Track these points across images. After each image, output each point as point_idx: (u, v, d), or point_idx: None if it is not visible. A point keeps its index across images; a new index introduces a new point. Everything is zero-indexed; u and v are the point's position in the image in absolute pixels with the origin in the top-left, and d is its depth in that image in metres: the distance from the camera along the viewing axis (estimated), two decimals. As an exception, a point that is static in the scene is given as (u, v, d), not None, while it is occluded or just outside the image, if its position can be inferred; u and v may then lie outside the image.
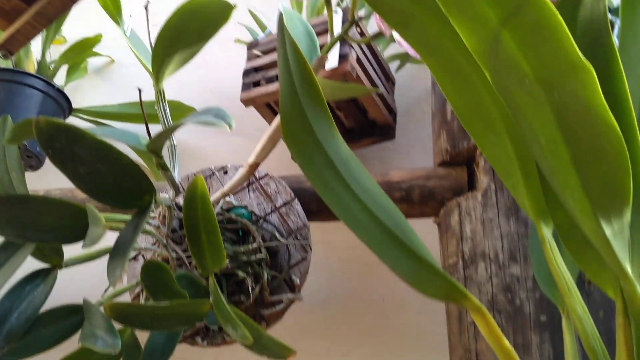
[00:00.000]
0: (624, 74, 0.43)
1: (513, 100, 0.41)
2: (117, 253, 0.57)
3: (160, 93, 0.78)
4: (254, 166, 0.79)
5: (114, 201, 0.63)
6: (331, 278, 1.09)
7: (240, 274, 0.77)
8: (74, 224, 0.64)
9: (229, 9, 0.63)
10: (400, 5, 0.45)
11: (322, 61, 0.74)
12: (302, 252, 0.84)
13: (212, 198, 0.82)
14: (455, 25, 0.39)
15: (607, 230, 0.41)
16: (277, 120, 0.77)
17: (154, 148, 0.64)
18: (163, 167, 0.70)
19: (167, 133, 0.59)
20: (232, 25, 1.22)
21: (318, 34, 0.91)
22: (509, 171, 0.50)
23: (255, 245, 0.78)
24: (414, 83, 1.21)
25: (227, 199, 0.86)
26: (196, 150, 1.26)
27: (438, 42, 0.46)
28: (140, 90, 0.62)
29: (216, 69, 1.34)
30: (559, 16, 0.34)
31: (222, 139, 1.27)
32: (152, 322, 0.64)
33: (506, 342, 0.48)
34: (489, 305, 0.74)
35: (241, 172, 0.80)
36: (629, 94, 0.43)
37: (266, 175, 0.90)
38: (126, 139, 0.64)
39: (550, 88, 0.38)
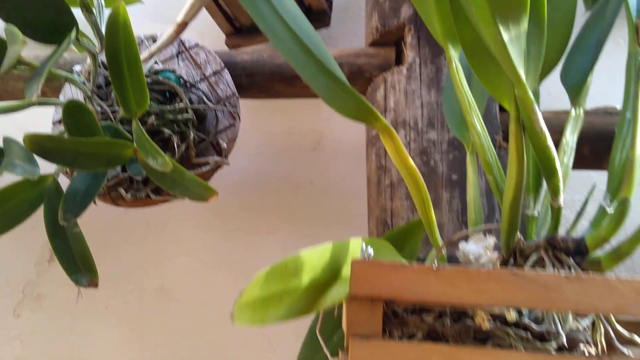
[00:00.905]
0: None
1: None
2: (35, 75, 0.57)
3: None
4: (183, 25, 0.78)
5: (36, 33, 0.62)
6: (263, 163, 1.11)
7: (166, 131, 0.78)
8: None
9: None
10: None
11: None
12: (230, 119, 0.85)
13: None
14: None
15: (505, 36, 0.44)
16: (207, -23, 0.77)
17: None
18: (87, 9, 0.69)
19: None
20: None
21: None
22: (423, -2, 0.52)
23: (181, 105, 0.79)
24: (352, -22, 1.21)
25: (156, 66, 0.86)
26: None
27: None
28: None
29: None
30: None
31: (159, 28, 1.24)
32: (73, 158, 0.64)
33: (410, 161, 0.52)
34: (407, 167, 0.77)
35: (169, 31, 0.79)
36: None
37: (196, 45, 0.89)
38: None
39: None
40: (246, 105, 1.13)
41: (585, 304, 0.39)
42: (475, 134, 0.51)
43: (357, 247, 0.43)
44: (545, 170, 0.47)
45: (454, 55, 0.51)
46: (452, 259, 0.60)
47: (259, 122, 1.13)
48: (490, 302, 0.39)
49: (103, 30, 0.76)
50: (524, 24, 0.44)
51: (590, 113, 0.84)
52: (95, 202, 0.78)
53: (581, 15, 0.66)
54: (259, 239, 1.05)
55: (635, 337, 0.46)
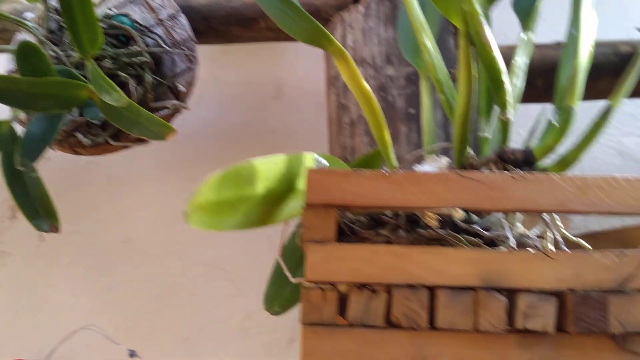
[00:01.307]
0: None
1: None
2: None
3: None
4: (134, -34, 0.77)
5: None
6: (223, 112, 1.11)
7: (122, 74, 0.77)
8: None
9: None
10: None
11: None
12: (187, 63, 0.84)
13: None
14: None
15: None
16: None
17: None
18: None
19: None
20: None
21: None
22: None
23: (137, 47, 0.78)
24: None
25: (109, 10, 0.84)
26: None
27: None
28: None
29: None
30: None
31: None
32: (27, 99, 0.63)
33: (363, 83, 0.52)
34: (365, 104, 0.78)
35: (121, -28, 0.78)
36: None
37: (150, -11, 0.88)
38: None
39: None
40: (204, 55, 1.12)
41: (529, 202, 0.41)
42: (427, 52, 0.52)
43: (311, 160, 0.44)
44: (493, 82, 0.48)
45: (404, -25, 0.52)
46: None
47: (218, 71, 1.12)
48: (438, 204, 0.40)
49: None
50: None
51: (544, 46, 0.85)
52: (52, 148, 0.77)
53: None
54: (223, 187, 1.05)
55: (581, 242, 0.48)
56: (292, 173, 0.42)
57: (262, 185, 0.39)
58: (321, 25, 0.51)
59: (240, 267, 1.01)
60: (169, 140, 0.96)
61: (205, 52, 1.12)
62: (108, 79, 0.61)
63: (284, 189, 0.42)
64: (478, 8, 0.46)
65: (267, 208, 0.41)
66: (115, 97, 0.58)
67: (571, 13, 0.55)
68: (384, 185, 0.40)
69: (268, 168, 0.40)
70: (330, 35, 0.51)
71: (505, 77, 0.48)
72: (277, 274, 0.67)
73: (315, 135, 1.05)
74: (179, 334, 1.00)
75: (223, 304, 1.00)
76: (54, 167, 1.09)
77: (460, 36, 0.48)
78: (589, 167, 1.05)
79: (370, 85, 0.78)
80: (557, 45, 0.86)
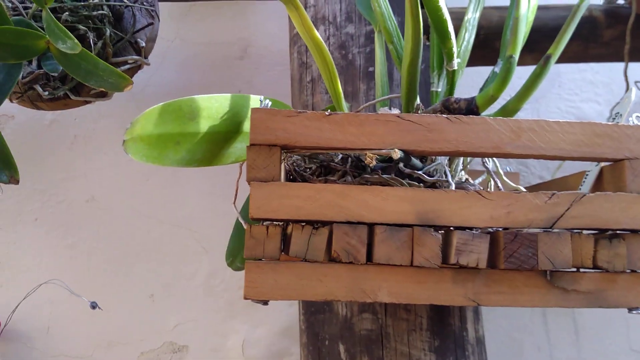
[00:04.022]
0: None
1: None
2: None
3: None
4: None
5: None
6: (190, 74, 1.11)
7: (81, 27, 0.76)
8: None
9: None
10: None
11: None
12: (148, 18, 0.84)
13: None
14: None
15: None
16: None
17: None
18: None
19: None
20: None
21: None
22: None
23: (97, 1, 0.77)
24: None
25: (70, -36, 0.83)
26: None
27: None
28: None
29: None
30: None
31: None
32: (-19, 49, 0.63)
33: (315, 32, 0.53)
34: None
35: None
36: None
37: (112, -57, 0.87)
38: None
39: None
40: (169, 14, 1.11)
41: (466, 144, 0.42)
42: (377, 2, 0.53)
43: (256, 101, 0.45)
44: (438, 33, 0.49)
45: None
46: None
47: (183, 31, 1.12)
48: (378, 145, 0.42)
49: None
50: None
51: (504, 8, 0.87)
52: (12, 101, 0.77)
53: None
54: (188, 146, 1.06)
55: (521, 188, 0.50)
56: (238, 114, 0.43)
57: (206, 123, 0.40)
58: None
59: (206, 225, 1.03)
60: (136, 103, 0.97)
61: (170, 11, 1.11)
62: (62, 27, 0.61)
63: (230, 129, 0.43)
64: (424, -43, 0.47)
65: (212, 147, 0.42)
66: (69, 45, 0.58)
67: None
68: (325, 126, 0.41)
69: (212, 107, 0.41)
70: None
71: (450, 28, 0.49)
72: (238, 229, 0.69)
73: (279, 95, 1.05)
74: (144, 291, 1.01)
75: (188, 262, 1.02)
76: (19, 125, 1.08)
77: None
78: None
79: (330, 44, 0.80)
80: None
